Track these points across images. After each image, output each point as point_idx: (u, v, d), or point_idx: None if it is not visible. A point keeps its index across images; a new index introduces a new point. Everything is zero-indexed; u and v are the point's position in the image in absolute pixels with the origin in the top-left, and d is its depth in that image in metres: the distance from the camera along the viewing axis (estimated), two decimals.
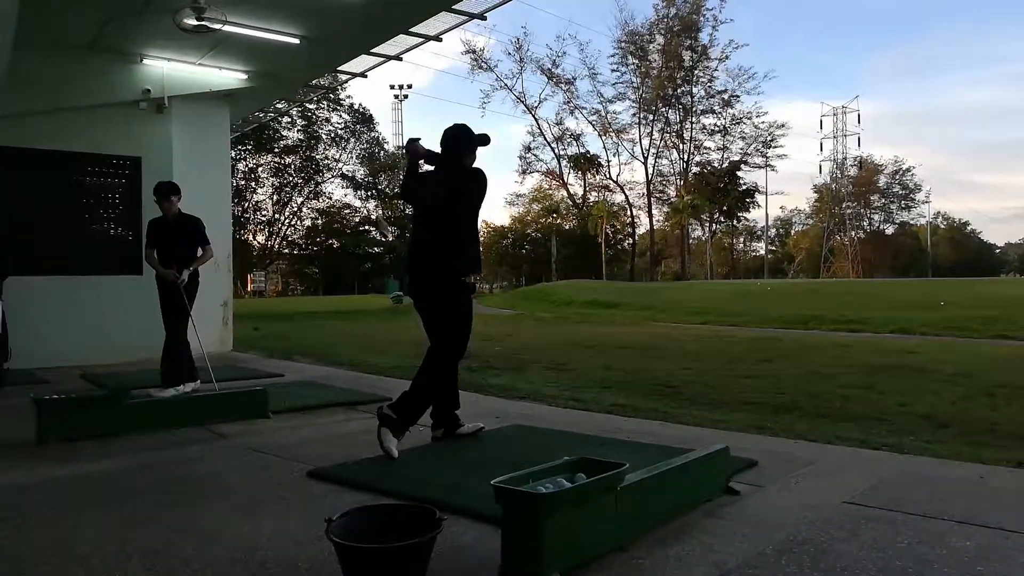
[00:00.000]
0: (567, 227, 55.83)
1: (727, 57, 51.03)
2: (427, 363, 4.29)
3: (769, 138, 54.28)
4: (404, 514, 2.31)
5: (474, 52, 48.00)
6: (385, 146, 55.88)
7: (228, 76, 9.79)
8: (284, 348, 11.08)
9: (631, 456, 3.23)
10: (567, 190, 54.64)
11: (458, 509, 2.86)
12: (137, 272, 8.99)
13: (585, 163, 53.32)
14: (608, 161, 53.79)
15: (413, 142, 4.37)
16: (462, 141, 4.39)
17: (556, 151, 53.00)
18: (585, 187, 55.13)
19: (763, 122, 53.60)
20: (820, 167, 68.10)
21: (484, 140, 4.44)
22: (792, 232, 77.99)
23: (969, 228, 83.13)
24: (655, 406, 5.98)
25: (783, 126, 55.18)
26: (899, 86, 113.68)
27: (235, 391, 5.75)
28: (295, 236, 54.91)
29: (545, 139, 52.49)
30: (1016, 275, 75.11)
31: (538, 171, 54.15)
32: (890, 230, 73.09)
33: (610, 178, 54.18)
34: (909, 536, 2.68)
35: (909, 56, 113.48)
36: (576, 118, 52.95)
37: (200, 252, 6.28)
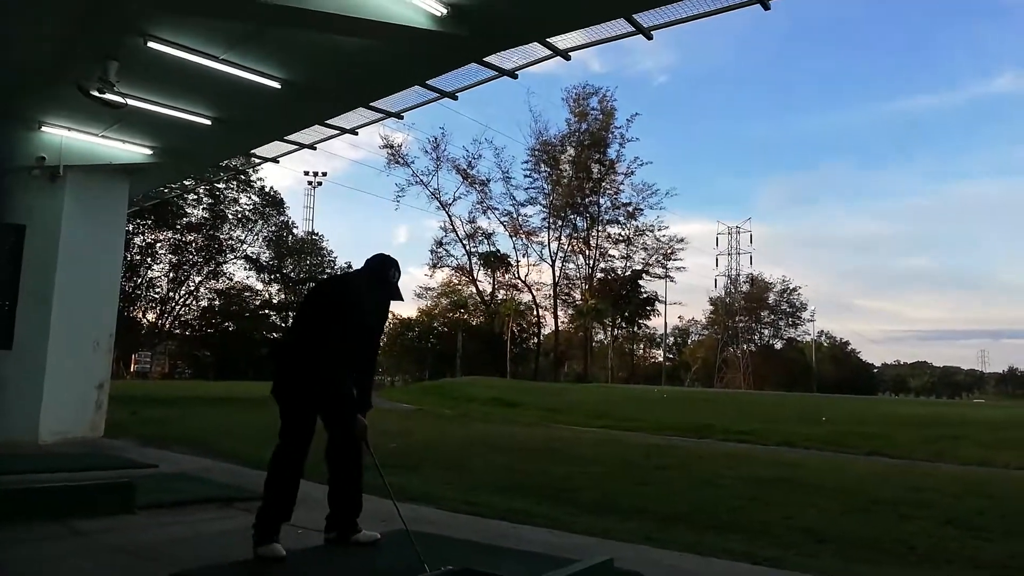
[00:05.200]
0: (474, 323, 55.96)
1: (632, 173, 53.85)
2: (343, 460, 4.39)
3: (669, 251, 56.97)
4: None
5: (392, 147, 48.72)
6: (294, 230, 55.11)
7: (132, 151, 9.47)
8: (162, 435, 10.34)
9: (516, 567, 3.16)
10: (476, 286, 55.18)
11: None
12: (6, 347, 8.40)
13: (495, 261, 54.22)
14: (517, 261, 54.89)
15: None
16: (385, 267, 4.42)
17: (467, 248, 53.75)
18: (494, 285, 55.87)
19: (664, 235, 56.31)
20: (715, 281, 71.72)
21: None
22: (689, 341, 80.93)
23: (849, 348, 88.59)
24: (548, 512, 5.91)
25: (682, 240, 57.85)
26: (789, 211, 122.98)
27: (97, 482, 5.29)
28: (189, 316, 52.50)
29: (457, 235, 53.22)
30: (892, 395, 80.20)
31: (449, 266, 54.58)
32: (779, 345, 77.05)
33: (518, 278, 55.18)
34: None
35: (798, 185, 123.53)
36: (488, 218, 53.89)
37: None
